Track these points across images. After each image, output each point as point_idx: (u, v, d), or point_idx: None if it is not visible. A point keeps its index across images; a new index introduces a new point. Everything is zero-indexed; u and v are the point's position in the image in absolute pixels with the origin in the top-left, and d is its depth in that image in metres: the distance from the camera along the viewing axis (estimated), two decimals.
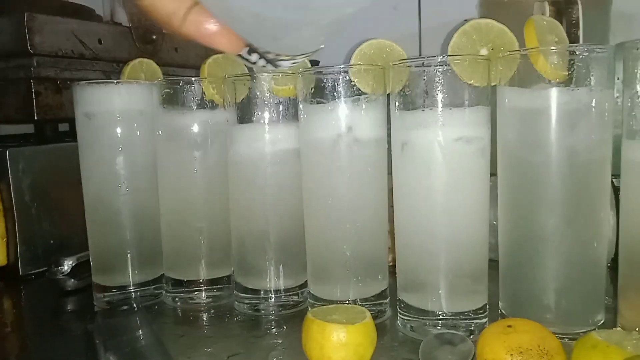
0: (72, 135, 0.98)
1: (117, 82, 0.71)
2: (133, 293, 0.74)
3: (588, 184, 0.52)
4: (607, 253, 0.56)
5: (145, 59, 0.78)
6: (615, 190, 0.63)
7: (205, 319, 0.69)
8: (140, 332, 0.63)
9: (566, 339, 0.51)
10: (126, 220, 0.73)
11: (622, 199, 0.52)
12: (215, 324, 0.67)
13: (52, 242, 0.88)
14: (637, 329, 0.48)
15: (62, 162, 0.89)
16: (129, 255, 0.73)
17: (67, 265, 0.78)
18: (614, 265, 0.55)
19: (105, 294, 0.74)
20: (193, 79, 0.70)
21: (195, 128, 0.70)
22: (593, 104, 0.51)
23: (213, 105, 0.70)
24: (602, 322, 0.54)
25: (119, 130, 0.71)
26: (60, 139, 0.95)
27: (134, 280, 0.74)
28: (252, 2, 0.29)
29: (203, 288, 0.73)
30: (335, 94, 0.60)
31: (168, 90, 0.70)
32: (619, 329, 0.52)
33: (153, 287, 0.75)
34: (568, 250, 0.52)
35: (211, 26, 0.31)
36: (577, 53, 0.51)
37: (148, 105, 0.72)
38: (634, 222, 0.51)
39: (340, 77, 0.60)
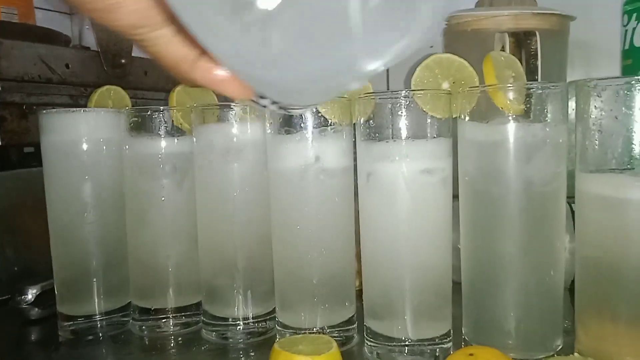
0: (37, 159, 0.97)
1: (85, 110, 0.71)
2: (99, 322, 0.73)
3: (544, 214, 0.54)
4: (567, 275, 0.58)
5: (113, 87, 0.78)
6: (572, 214, 0.65)
7: (172, 348, 0.68)
8: None
9: None
10: (92, 249, 0.72)
11: (577, 230, 0.54)
12: (183, 353, 0.66)
13: (15, 269, 0.87)
14: (591, 357, 0.50)
15: (27, 187, 0.88)
16: (95, 283, 0.73)
17: (31, 294, 0.77)
18: (572, 287, 0.57)
19: (70, 323, 0.72)
20: (161, 107, 0.70)
21: (164, 156, 0.71)
22: (548, 139, 0.53)
23: (182, 134, 0.71)
24: (560, 346, 0.56)
25: (85, 158, 0.71)
26: (26, 164, 0.94)
27: (100, 309, 0.73)
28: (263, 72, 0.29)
29: (171, 316, 0.72)
30: (302, 124, 0.61)
31: (136, 119, 0.70)
32: (576, 354, 0.54)
33: (120, 315, 0.74)
34: (526, 278, 0.54)
35: (221, 73, 0.31)
36: (532, 89, 0.54)
37: (116, 134, 0.72)
38: (588, 253, 0.53)
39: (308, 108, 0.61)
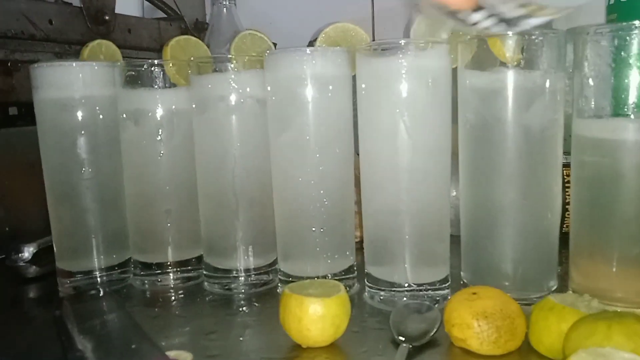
0: (23, 119, 0.95)
1: (78, 64, 0.70)
2: (99, 278, 0.73)
3: (542, 159, 0.56)
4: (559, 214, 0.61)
5: (105, 41, 0.77)
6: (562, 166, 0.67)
7: (176, 300, 0.69)
8: (113, 315, 0.63)
9: (523, 304, 0.56)
10: (90, 205, 0.72)
11: (572, 173, 0.57)
12: (187, 305, 0.67)
13: (7, 229, 0.86)
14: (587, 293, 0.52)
15: (13, 147, 0.87)
16: (93, 239, 0.73)
17: (28, 252, 0.76)
18: (560, 236, 0.60)
19: (70, 279, 0.73)
20: (156, 61, 0.69)
21: (160, 110, 0.70)
22: (547, 85, 0.54)
23: (177, 88, 0.70)
24: (555, 287, 0.59)
25: (80, 113, 0.70)
26: (11, 123, 0.92)
27: (99, 265, 0.73)
28: None
29: (171, 270, 0.73)
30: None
31: (132, 73, 0.69)
32: (571, 292, 0.57)
33: (119, 271, 0.75)
34: (524, 222, 0.56)
35: None
36: (531, 37, 0.55)
37: (110, 88, 0.71)
38: (585, 194, 0.55)
39: None
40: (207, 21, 1.29)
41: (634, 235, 0.52)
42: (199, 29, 1.27)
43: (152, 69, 0.69)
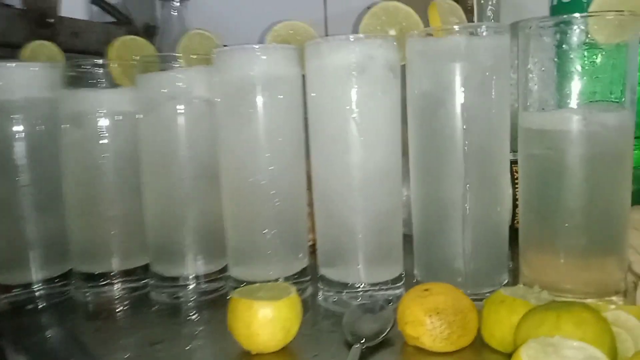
0: None
1: (17, 64, 0.67)
2: (37, 291, 0.69)
3: (489, 153, 0.56)
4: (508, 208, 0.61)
5: (46, 42, 0.73)
6: (511, 163, 0.68)
7: (120, 311, 0.66)
8: (52, 330, 0.60)
9: (475, 300, 0.55)
10: (27, 213, 0.68)
11: (520, 167, 0.57)
12: (133, 316, 0.64)
13: None
14: (537, 285, 0.52)
15: None
16: (31, 250, 0.69)
17: None
18: (511, 232, 0.60)
19: (6, 294, 0.68)
20: (100, 61, 0.67)
21: (103, 112, 0.67)
22: (492, 79, 0.55)
23: (122, 88, 0.68)
24: (506, 281, 0.59)
25: (17, 116, 0.66)
26: None
27: (37, 277, 0.69)
28: None
29: (116, 280, 0.70)
30: None
31: (73, 73, 0.67)
32: (521, 285, 0.57)
33: (60, 283, 0.71)
34: (473, 217, 0.56)
35: None
36: (477, 32, 0.55)
37: (51, 90, 0.67)
38: (532, 187, 0.56)
39: None
40: (158, 25, 1.26)
41: (580, 227, 0.53)
42: (150, 33, 1.23)
43: (95, 69, 0.67)
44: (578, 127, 0.51)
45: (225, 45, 0.96)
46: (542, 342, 0.39)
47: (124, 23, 1.16)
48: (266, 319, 0.50)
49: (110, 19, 1.18)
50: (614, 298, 0.53)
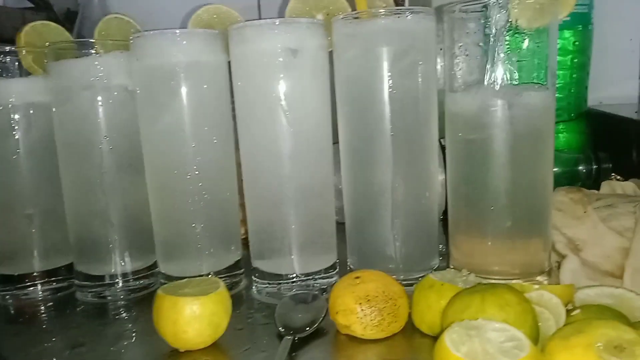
0: None
1: None
2: None
3: (417, 139, 0.56)
4: (439, 206, 0.62)
5: None
6: (442, 149, 0.69)
7: (42, 313, 0.62)
8: None
9: (408, 285, 0.55)
10: None
11: (447, 150, 0.57)
12: (55, 318, 0.61)
13: None
14: (465, 269, 0.53)
15: None
16: None
17: None
18: (445, 217, 0.61)
19: None
20: (7, 48, 0.62)
21: (14, 103, 0.63)
22: (418, 63, 0.54)
23: (33, 77, 0.63)
24: (437, 265, 0.59)
25: None
26: None
27: None
28: None
29: (38, 281, 0.66)
30: None
31: None
32: (451, 269, 0.57)
33: None
34: (403, 202, 0.56)
35: None
36: (402, 16, 0.54)
37: None
38: (458, 170, 0.56)
39: None
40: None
41: (504, 209, 0.54)
42: (72, 19, 1.17)
43: (3, 57, 0.62)
44: (502, 109, 0.52)
45: (146, 31, 0.92)
46: (465, 325, 0.39)
47: (42, 8, 1.09)
48: (192, 316, 0.48)
49: (28, 4, 1.11)
50: (539, 278, 0.55)
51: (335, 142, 0.60)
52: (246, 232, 0.63)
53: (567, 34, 0.86)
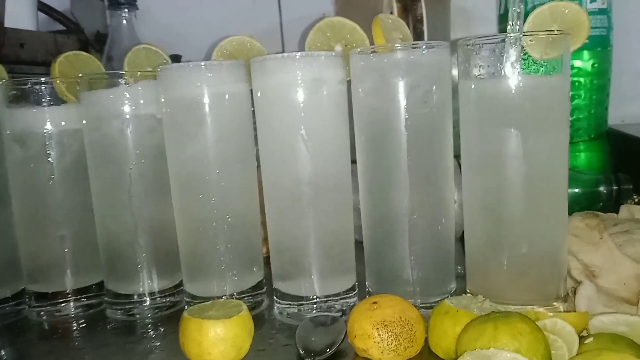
0: None
1: None
2: None
3: (433, 166, 0.57)
4: (457, 226, 0.63)
5: None
6: (459, 166, 0.70)
7: (75, 330, 0.65)
8: (3, 352, 0.59)
9: (425, 308, 0.57)
10: None
11: (464, 182, 0.58)
12: (87, 335, 0.64)
13: None
14: (481, 295, 0.54)
15: None
16: None
17: None
18: (462, 237, 0.62)
19: None
20: (43, 79, 0.66)
21: (48, 130, 0.66)
22: (434, 93, 0.56)
23: (66, 105, 0.67)
24: (454, 289, 0.61)
25: None
26: None
27: None
28: None
29: (70, 299, 0.69)
30: None
31: (15, 92, 0.65)
32: (468, 294, 0.59)
33: (13, 303, 0.70)
34: (420, 229, 0.57)
35: None
36: (419, 49, 0.56)
37: None
38: (475, 201, 0.57)
39: None
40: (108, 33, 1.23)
41: (519, 235, 0.55)
42: (101, 41, 1.21)
43: (38, 86, 0.66)
44: (514, 145, 0.53)
45: (175, 55, 0.95)
46: (477, 355, 0.40)
47: (73, 31, 1.14)
48: (217, 338, 0.50)
49: (59, 27, 1.15)
50: (555, 304, 0.56)
51: (354, 160, 0.62)
52: (268, 251, 0.65)
53: (586, 56, 0.87)
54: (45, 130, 0.66)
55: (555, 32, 0.52)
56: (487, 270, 0.58)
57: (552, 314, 0.49)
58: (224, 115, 0.61)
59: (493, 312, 0.47)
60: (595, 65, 0.88)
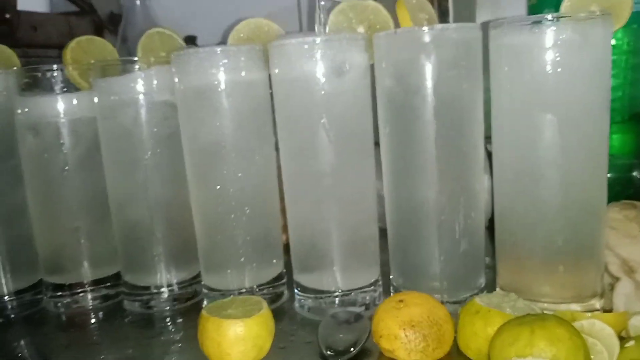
0: None
1: None
2: (9, 303, 0.67)
3: (463, 157, 0.54)
4: (485, 214, 0.60)
5: None
6: (489, 154, 0.66)
7: (93, 323, 0.64)
8: (20, 349, 0.59)
9: (453, 305, 0.54)
10: None
11: (494, 164, 0.55)
12: (105, 328, 0.63)
13: None
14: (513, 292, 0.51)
15: None
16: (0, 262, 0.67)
17: None
18: (491, 225, 0.59)
19: None
20: (55, 66, 0.63)
21: (62, 118, 0.64)
22: (463, 77, 0.52)
23: (80, 92, 0.65)
24: (483, 284, 0.58)
25: None
26: None
27: (8, 289, 0.68)
28: None
29: (88, 289, 0.68)
30: None
31: (28, 80, 0.63)
32: (498, 290, 0.56)
33: (31, 293, 0.69)
34: (449, 222, 0.54)
35: None
36: (448, 29, 0.52)
37: (3, 97, 0.64)
38: (506, 191, 0.54)
39: None
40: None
41: (555, 226, 0.52)
42: (115, 22, 1.19)
43: (50, 73, 0.63)
44: (550, 130, 0.50)
45: (190, 36, 0.92)
46: None
47: (86, 12, 1.12)
48: (236, 338, 0.48)
49: (71, 8, 1.13)
50: (591, 301, 0.53)
51: (377, 142, 0.59)
52: (287, 239, 0.63)
53: (620, 33, 0.82)
54: (58, 120, 0.64)
55: (596, 14, 0.48)
56: (519, 264, 0.55)
57: (589, 314, 0.46)
58: (241, 103, 0.59)
59: (528, 314, 0.44)
60: (630, 43, 0.83)
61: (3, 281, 0.68)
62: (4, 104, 0.65)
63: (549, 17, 0.48)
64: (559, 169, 0.52)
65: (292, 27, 1.07)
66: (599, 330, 0.44)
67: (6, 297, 0.68)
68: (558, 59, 0.49)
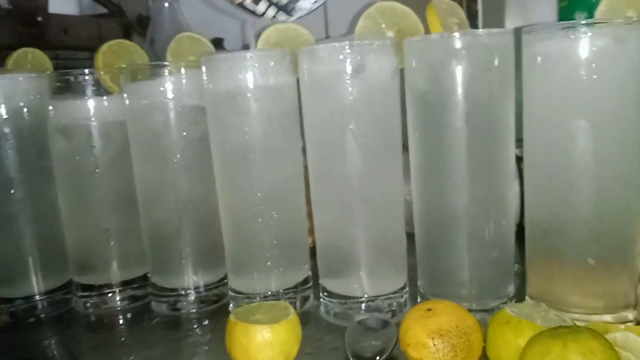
0: None
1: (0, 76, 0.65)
2: (39, 302, 0.69)
3: (494, 163, 0.53)
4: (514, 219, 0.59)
5: (31, 49, 0.71)
6: (518, 160, 0.65)
7: (121, 324, 0.65)
8: (50, 350, 0.60)
9: (481, 313, 0.54)
10: (23, 226, 0.67)
11: (525, 181, 0.54)
12: (133, 329, 0.64)
13: None
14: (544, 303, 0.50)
15: None
16: (31, 262, 0.68)
17: None
18: (519, 230, 0.58)
19: (8, 305, 0.68)
20: (87, 70, 0.64)
21: (92, 122, 0.65)
22: (495, 83, 0.52)
23: (111, 96, 0.65)
24: (512, 292, 0.57)
25: (6, 127, 0.65)
26: None
27: (39, 289, 0.69)
28: None
29: (117, 290, 0.69)
30: None
31: (60, 84, 0.64)
32: (528, 300, 0.55)
33: (62, 292, 0.70)
34: (477, 229, 0.54)
35: None
36: (480, 35, 0.52)
37: (38, 100, 0.66)
38: (537, 200, 0.53)
39: None
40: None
41: (587, 235, 0.51)
42: (144, 24, 1.20)
43: (82, 77, 0.64)
44: (584, 137, 0.49)
45: (217, 38, 0.92)
46: None
47: (116, 14, 1.13)
48: (264, 343, 0.49)
49: (101, 10, 1.15)
50: (623, 313, 0.52)
51: (405, 149, 0.59)
52: (314, 241, 0.63)
53: None
54: (89, 123, 0.65)
55: (634, 19, 0.47)
56: (550, 273, 0.54)
57: (623, 326, 0.45)
58: (270, 107, 0.59)
59: (560, 326, 0.44)
60: None
61: (34, 280, 0.69)
62: (37, 106, 0.66)
63: (584, 22, 0.47)
64: (592, 177, 0.51)
65: (319, 33, 1.07)
66: (633, 343, 0.43)
67: (37, 297, 0.69)
68: (593, 65, 0.48)
